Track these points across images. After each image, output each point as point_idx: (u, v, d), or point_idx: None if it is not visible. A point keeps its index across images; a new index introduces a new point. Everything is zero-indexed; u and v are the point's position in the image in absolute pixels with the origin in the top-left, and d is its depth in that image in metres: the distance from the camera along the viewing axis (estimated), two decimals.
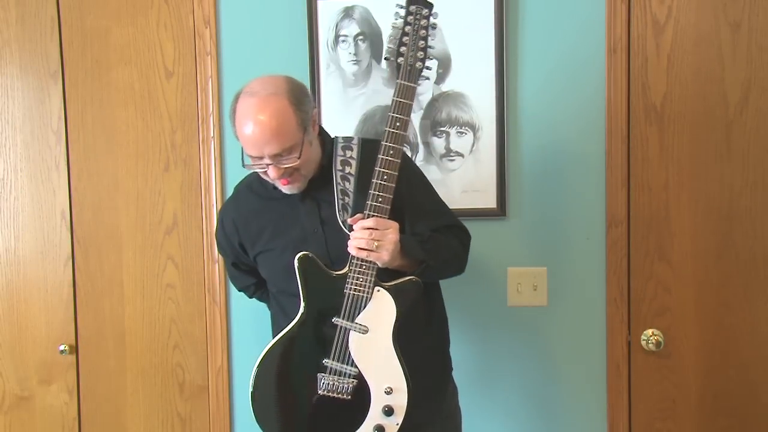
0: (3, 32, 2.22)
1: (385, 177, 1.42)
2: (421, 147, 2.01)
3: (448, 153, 2.00)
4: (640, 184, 1.94)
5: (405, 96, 1.43)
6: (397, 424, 1.43)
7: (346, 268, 1.43)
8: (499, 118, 1.97)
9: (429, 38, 1.44)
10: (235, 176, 2.11)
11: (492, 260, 2.00)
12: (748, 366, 1.93)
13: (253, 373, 1.50)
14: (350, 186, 1.51)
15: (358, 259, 1.41)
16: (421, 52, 1.44)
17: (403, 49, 1.43)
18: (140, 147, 2.18)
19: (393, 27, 1.44)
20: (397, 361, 1.42)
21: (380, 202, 1.41)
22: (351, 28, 2.02)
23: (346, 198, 1.50)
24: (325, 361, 1.44)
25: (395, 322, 1.43)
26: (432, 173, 1.97)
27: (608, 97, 1.93)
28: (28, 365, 2.27)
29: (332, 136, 1.63)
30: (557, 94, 1.96)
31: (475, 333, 2.03)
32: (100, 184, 2.21)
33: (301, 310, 1.46)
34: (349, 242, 1.41)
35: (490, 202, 1.99)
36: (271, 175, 1.45)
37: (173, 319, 2.20)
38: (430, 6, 1.44)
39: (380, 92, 2.03)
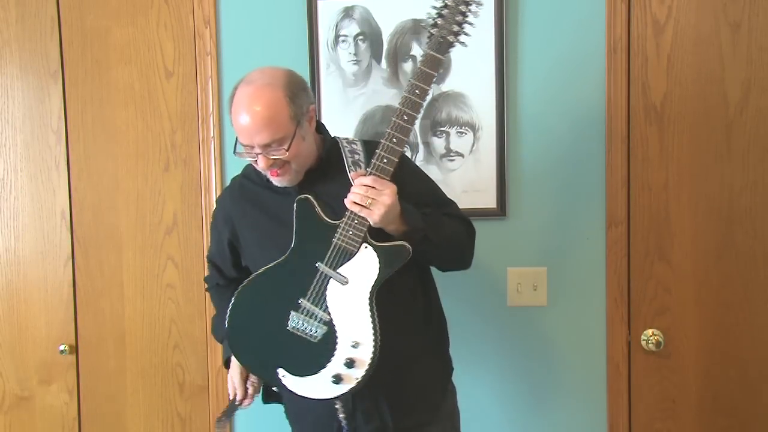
0: (3, 32, 2.22)
1: (395, 140, 1.42)
2: (421, 147, 2.01)
3: (448, 153, 2.00)
4: (640, 184, 1.94)
5: (430, 66, 1.43)
6: (356, 379, 1.43)
7: (341, 220, 1.44)
8: (499, 118, 1.97)
9: (468, 15, 1.44)
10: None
11: (492, 260, 2.00)
12: (748, 366, 1.93)
13: (232, 300, 1.52)
14: (361, 157, 1.53)
15: (352, 213, 1.42)
16: (456, 26, 1.43)
17: (440, 20, 1.44)
18: (140, 147, 2.18)
19: None
20: (370, 318, 1.43)
21: (384, 164, 1.42)
22: (351, 28, 2.03)
23: (359, 165, 1.52)
24: (300, 300, 1.46)
25: (375, 281, 1.43)
26: (432, 173, 1.96)
27: (608, 97, 1.93)
28: (28, 365, 2.27)
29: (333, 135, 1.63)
30: (557, 94, 1.96)
31: (475, 333, 2.03)
32: (100, 184, 2.21)
33: (290, 248, 1.48)
34: (348, 195, 1.43)
35: (490, 202, 1.99)
36: (260, 165, 1.46)
37: (173, 319, 2.21)
38: None
39: (380, 92, 2.03)
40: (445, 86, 1.99)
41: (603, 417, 2.00)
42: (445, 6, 1.44)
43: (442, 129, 2.00)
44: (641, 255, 1.95)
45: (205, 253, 2.13)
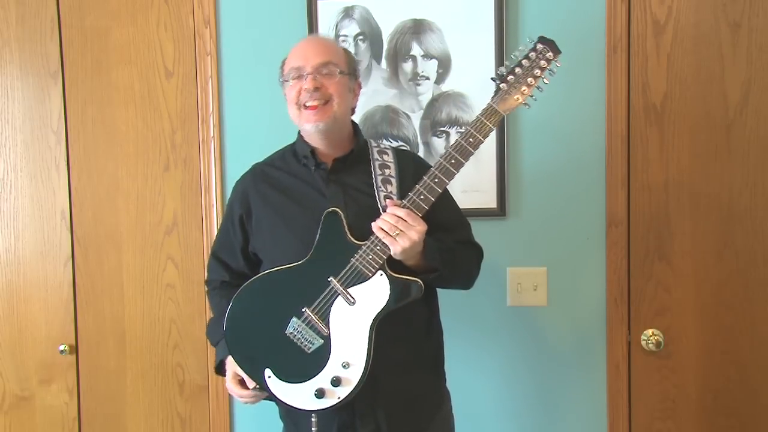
0: (3, 32, 2.22)
1: (437, 180, 1.44)
2: (421, 147, 2.01)
3: None
4: (640, 184, 1.94)
5: (489, 118, 1.44)
6: (338, 398, 1.45)
7: (365, 242, 1.45)
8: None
9: (541, 80, 1.44)
10: (235, 176, 2.10)
11: (492, 260, 1.98)
12: (748, 366, 1.93)
13: (238, 292, 1.52)
14: (393, 188, 1.54)
15: (376, 238, 1.43)
16: (526, 88, 1.44)
17: (511, 77, 1.44)
18: (140, 147, 2.18)
19: (514, 55, 1.46)
20: (367, 343, 1.44)
21: (421, 200, 1.44)
22: (351, 28, 2.02)
23: (389, 186, 1.54)
24: (304, 309, 1.47)
25: (381, 310, 1.45)
26: None
27: (608, 97, 1.93)
28: (28, 365, 2.27)
29: None
30: (557, 95, 1.95)
31: (475, 333, 2.03)
32: (100, 184, 2.21)
33: (308, 256, 1.48)
34: (377, 220, 1.44)
35: (490, 202, 1.99)
36: (308, 85, 1.50)
37: (173, 319, 2.20)
38: (558, 52, 1.44)
39: (380, 92, 2.03)
40: (445, 86, 2.00)
41: (603, 417, 2.00)
42: (520, 65, 1.44)
43: (442, 129, 2.00)
44: (641, 255, 1.95)
45: (206, 254, 2.14)
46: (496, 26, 1.95)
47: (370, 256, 1.44)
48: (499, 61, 1.95)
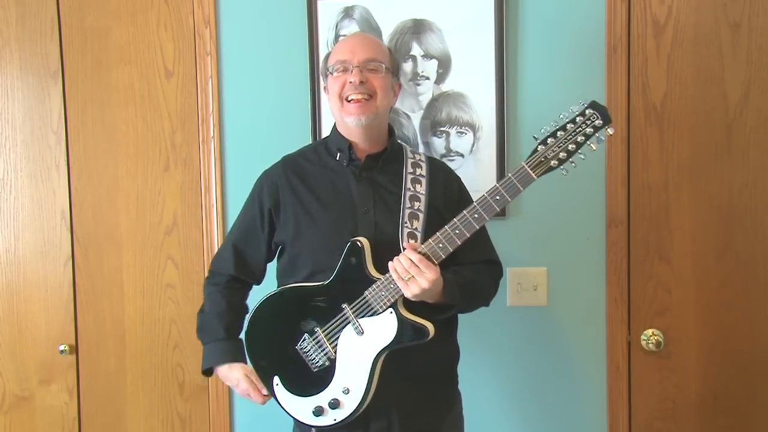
0: (3, 32, 2.22)
1: (457, 232, 1.42)
2: (421, 147, 2.01)
3: (448, 153, 2.00)
4: (640, 184, 1.94)
5: (520, 179, 1.39)
6: (334, 420, 1.49)
7: (380, 277, 1.46)
8: (499, 118, 1.97)
9: (586, 146, 1.37)
10: (236, 176, 2.12)
11: None
12: (748, 366, 1.93)
13: (264, 298, 1.58)
14: (421, 205, 1.54)
15: (391, 276, 1.44)
16: (564, 153, 1.37)
17: (551, 140, 1.37)
18: (140, 147, 2.18)
19: (561, 116, 1.38)
20: (369, 374, 1.47)
21: (439, 248, 1.43)
22: (351, 28, 2.02)
23: (417, 203, 1.53)
24: (316, 328, 1.50)
25: (386, 347, 1.46)
26: None
27: (608, 97, 1.93)
28: (28, 365, 2.27)
29: None
30: (557, 94, 1.96)
31: (475, 333, 2.03)
32: (100, 184, 2.21)
33: (330, 279, 1.50)
34: (394, 259, 1.44)
35: None
36: (354, 78, 1.51)
37: (173, 319, 2.20)
38: (608, 121, 1.36)
39: None
40: (445, 86, 1.99)
41: (603, 417, 2.00)
42: (564, 128, 1.37)
43: (442, 129, 2.00)
44: (641, 255, 1.95)
45: (206, 254, 2.15)
46: (496, 26, 1.95)
47: (383, 293, 1.45)
48: (499, 61, 1.95)
